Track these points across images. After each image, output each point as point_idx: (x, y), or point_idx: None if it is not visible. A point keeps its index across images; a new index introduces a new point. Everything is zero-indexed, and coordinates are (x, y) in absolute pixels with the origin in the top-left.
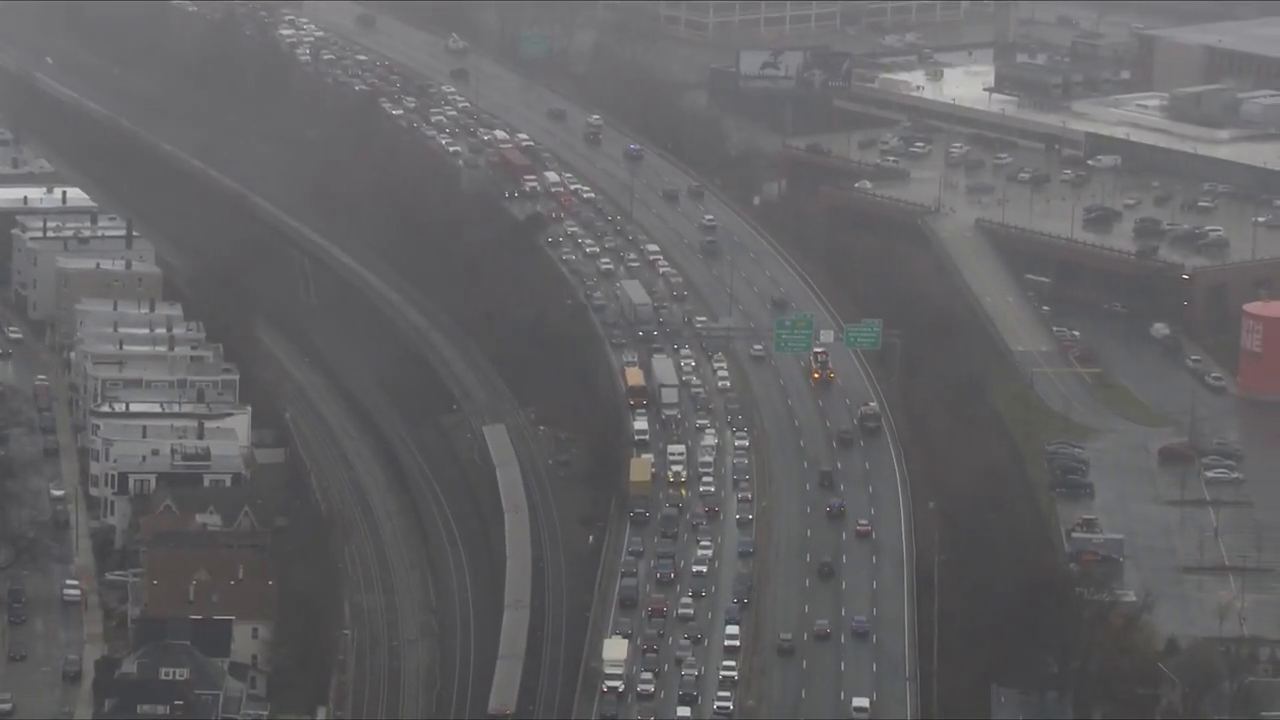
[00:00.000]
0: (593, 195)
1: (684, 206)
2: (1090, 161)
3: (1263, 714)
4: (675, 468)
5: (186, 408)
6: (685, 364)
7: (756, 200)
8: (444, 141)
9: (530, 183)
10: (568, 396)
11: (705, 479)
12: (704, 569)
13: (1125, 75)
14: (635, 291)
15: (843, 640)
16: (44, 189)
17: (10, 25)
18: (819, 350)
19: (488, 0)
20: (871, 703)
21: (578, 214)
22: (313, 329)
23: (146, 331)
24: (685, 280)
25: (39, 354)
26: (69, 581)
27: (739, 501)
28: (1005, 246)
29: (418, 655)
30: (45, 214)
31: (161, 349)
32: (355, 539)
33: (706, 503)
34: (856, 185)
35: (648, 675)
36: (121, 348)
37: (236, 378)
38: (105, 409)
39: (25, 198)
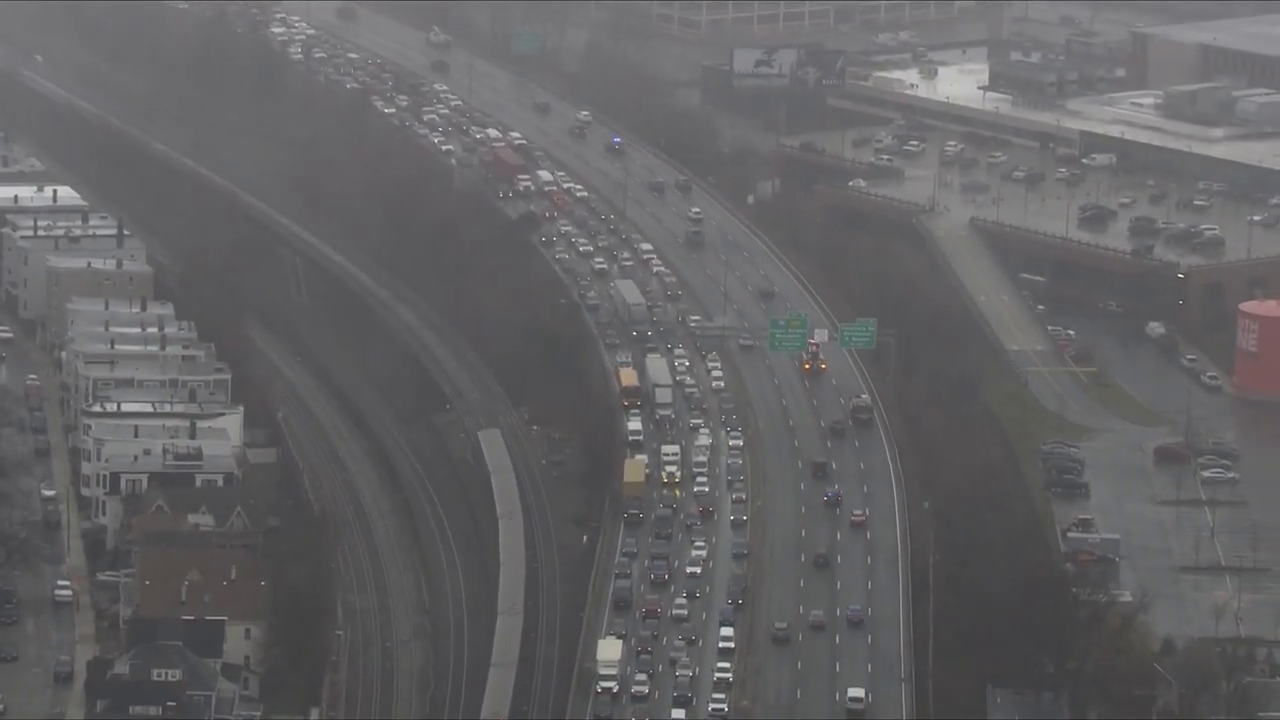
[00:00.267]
0: (586, 194)
1: (670, 198)
2: (1085, 160)
3: (1260, 714)
4: (669, 468)
5: (178, 407)
6: (679, 364)
7: (750, 199)
8: (436, 140)
9: (524, 182)
10: (561, 396)
11: (699, 479)
12: (698, 570)
13: (1120, 73)
14: (629, 291)
15: (837, 641)
16: (35, 188)
17: (0, 23)
18: (810, 341)
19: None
20: (867, 692)
21: (571, 213)
22: (305, 328)
23: (138, 331)
24: (679, 279)
25: (30, 353)
26: (60, 582)
27: (733, 502)
28: (1000, 245)
29: (411, 656)
30: (36, 213)
31: (153, 348)
32: (348, 539)
33: (701, 503)
34: (851, 184)
35: (642, 676)
36: (113, 347)
37: (228, 377)
38: (97, 409)
39: (16, 196)
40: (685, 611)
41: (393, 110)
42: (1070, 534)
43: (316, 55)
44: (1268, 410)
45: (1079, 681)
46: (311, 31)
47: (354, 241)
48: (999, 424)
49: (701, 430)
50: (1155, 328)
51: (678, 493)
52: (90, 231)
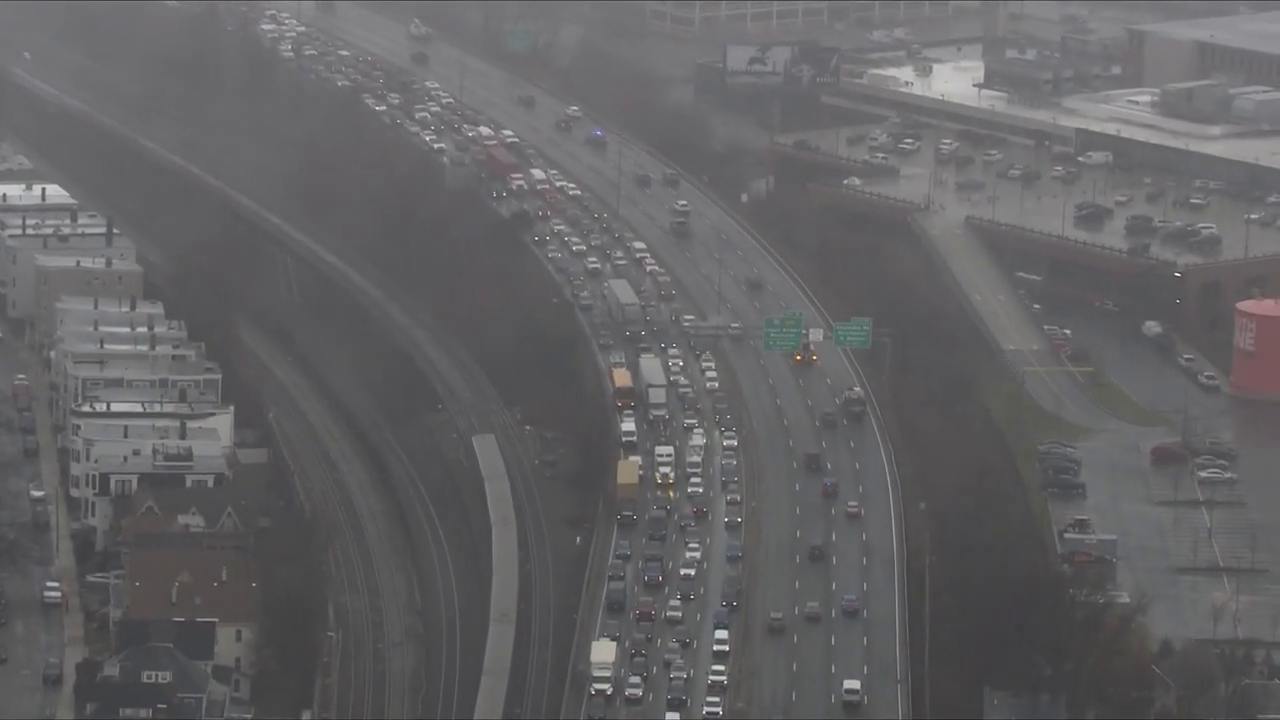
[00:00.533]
0: (579, 192)
1: (656, 192)
2: (1081, 158)
3: (1259, 717)
4: (663, 469)
5: (168, 407)
6: (673, 364)
7: (744, 198)
8: (428, 138)
9: (517, 180)
10: (554, 397)
11: (693, 479)
12: (692, 572)
13: (1116, 71)
14: (623, 291)
15: (833, 641)
16: (23, 186)
17: None
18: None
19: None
20: (863, 684)
21: (564, 211)
22: (296, 327)
23: (127, 330)
24: (673, 278)
25: (18, 353)
26: (49, 584)
27: (728, 503)
28: (996, 244)
29: (403, 658)
30: (24, 211)
31: (143, 348)
32: (339, 540)
33: (695, 503)
34: (845, 182)
35: (636, 679)
36: (102, 346)
37: (219, 377)
38: (86, 409)
39: (4, 195)
40: (680, 614)
41: (384, 108)
42: (1067, 535)
43: (307, 52)
44: (1265, 410)
45: (1076, 683)
46: (302, 28)
47: (345, 240)
48: (995, 424)
49: (695, 431)
50: (1152, 327)
51: (672, 494)
52: (79, 230)
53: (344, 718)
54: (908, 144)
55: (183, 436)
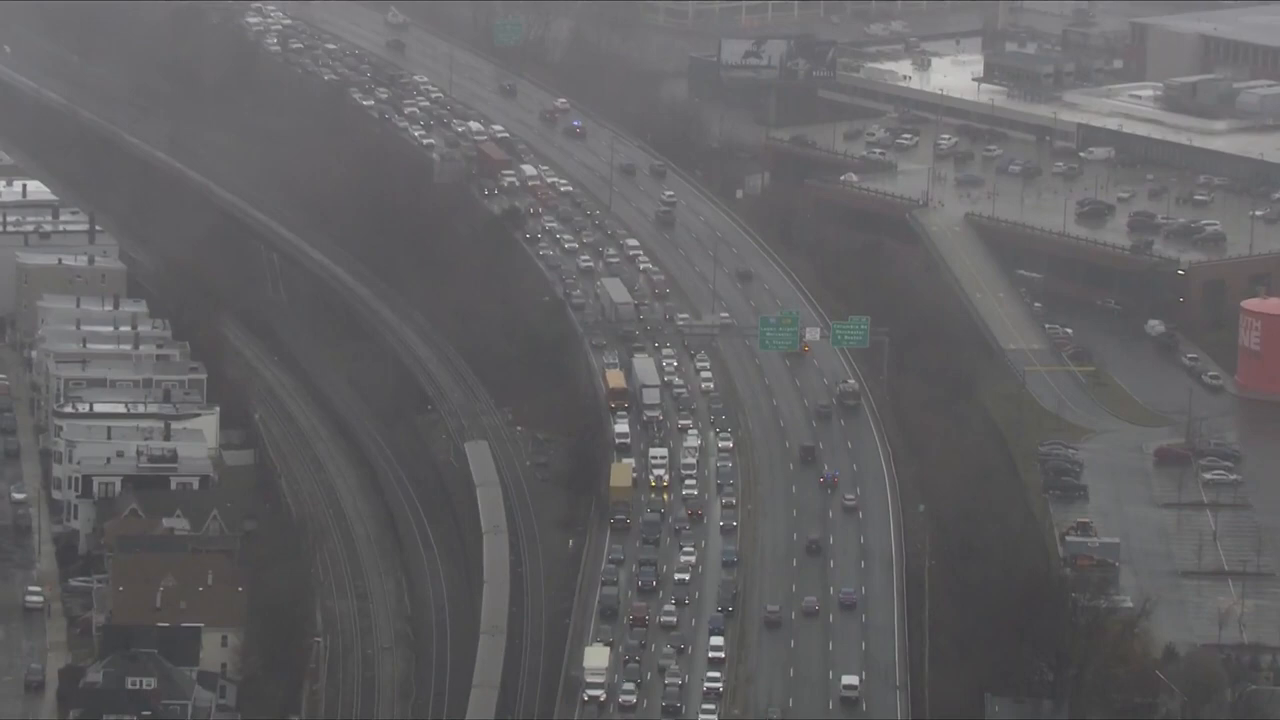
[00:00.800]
0: (570, 188)
1: (642, 182)
2: (1082, 153)
3: None
4: (657, 471)
5: (152, 408)
6: (667, 364)
7: (739, 194)
8: (417, 133)
9: (508, 177)
10: (546, 397)
11: (688, 482)
12: (687, 576)
13: (1118, 65)
14: (616, 290)
15: (830, 641)
16: (3, 182)
17: None
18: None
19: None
20: (861, 679)
21: (555, 208)
22: (282, 326)
23: (110, 329)
24: (667, 276)
25: None
26: (31, 588)
27: (723, 506)
28: (996, 241)
29: (392, 663)
30: (5, 208)
31: (126, 347)
32: (327, 543)
33: (690, 505)
34: (842, 178)
35: (630, 685)
36: (85, 346)
37: (204, 377)
38: (68, 409)
39: None
40: (674, 619)
41: (372, 103)
42: (1069, 537)
43: (293, 46)
44: (1271, 410)
45: (1079, 689)
46: (288, 21)
47: (333, 238)
48: (995, 424)
49: (690, 432)
50: (1155, 325)
51: (666, 496)
52: (61, 227)
53: None
54: (906, 139)
55: (167, 438)
